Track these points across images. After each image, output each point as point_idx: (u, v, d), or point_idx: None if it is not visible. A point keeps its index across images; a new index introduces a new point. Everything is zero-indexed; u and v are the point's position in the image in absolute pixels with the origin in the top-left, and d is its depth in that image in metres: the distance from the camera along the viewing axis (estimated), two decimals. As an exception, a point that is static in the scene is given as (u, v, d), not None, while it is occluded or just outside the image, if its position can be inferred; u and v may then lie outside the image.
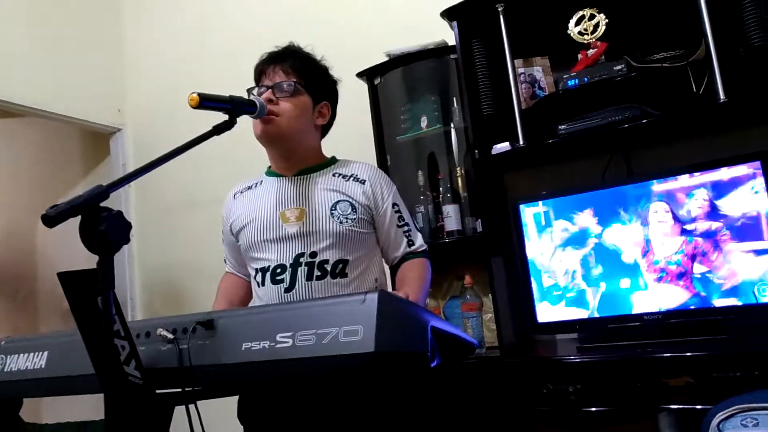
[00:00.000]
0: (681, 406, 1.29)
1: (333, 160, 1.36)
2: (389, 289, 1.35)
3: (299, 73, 1.26)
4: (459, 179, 1.87)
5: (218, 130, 1.01)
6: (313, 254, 1.21)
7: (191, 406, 0.86)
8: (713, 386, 1.26)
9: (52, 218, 0.69)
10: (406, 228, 1.33)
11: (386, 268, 1.39)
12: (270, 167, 1.35)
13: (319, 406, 1.14)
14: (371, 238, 1.30)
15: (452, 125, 1.89)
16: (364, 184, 1.29)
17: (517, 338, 1.75)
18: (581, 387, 1.41)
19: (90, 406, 2.26)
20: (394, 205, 1.31)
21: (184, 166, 1.78)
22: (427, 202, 1.91)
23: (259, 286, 1.27)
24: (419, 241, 1.35)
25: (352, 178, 1.29)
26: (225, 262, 1.46)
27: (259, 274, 1.27)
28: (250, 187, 1.36)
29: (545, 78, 1.79)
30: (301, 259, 1.21)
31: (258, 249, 1.26)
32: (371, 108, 1.98)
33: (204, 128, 0.99)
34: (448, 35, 1.84)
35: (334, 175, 1.30)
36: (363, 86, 1.99)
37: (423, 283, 1.28)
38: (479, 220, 1.77)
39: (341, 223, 1.23)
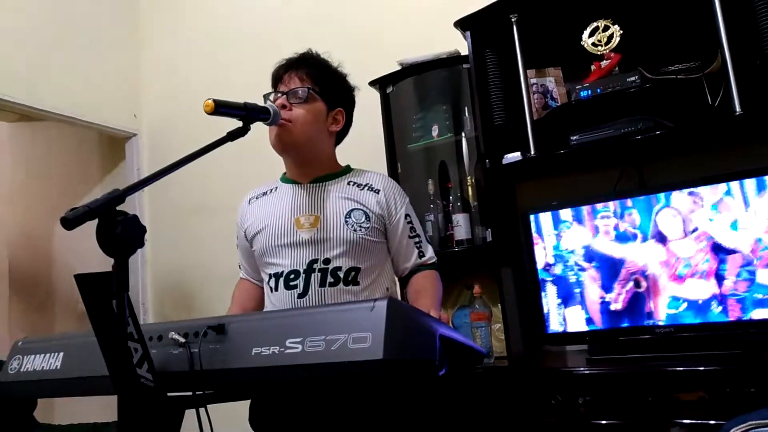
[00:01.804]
0: (693, 421, 1.27)
1: (348, 169, 1.37)
2: (399, 298, 1.35)
3: (314, 79, 1.28)
4: (469, 188, 1.87)
5: (232, 136, 1.03)
6: (327, 261, 1.22)
7: (201, 410, 0.87)
8: (726, 401, 1.25)
9: (70, 221, 0.70)
10: (417, 239, 1.34)
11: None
12: (285, 174, 1.37)
13: (329, 413, 1.14)
14: (383, 248, 1.31)
15: (463, 134, 1.90)
16: (378, 193, 1.30)
17: (526, 348, 1.74)
18: (591, 399, 1.40)
19: (102, 408, 2.28)
20: (406, 216, 1.33)
21: (197, 171, 1.80)
22: (437, 210, 1.91)
23: (272, 292, 1.28)
24: (429, 252, 1.36)
25: (366, 188, 1.31)
26: (239, 267, 1.47)
27: (273, 279, 1.27)
28: (265, 193, 1.37)
29: (558, 88, 1.79)
30: (315, 266, 1.22)
31: (272, 254, 1.27)
32: (383, 116, 2.00)
33: (218, 134, 1.01)
34: (461, 45, 1.85)
35: (349, 183, 1.31)
36: (375, 94, 2.01)
37: (438, 296, 1.30)
38: (489, 230, 1.77)
39: (355, 231, 1.24)
